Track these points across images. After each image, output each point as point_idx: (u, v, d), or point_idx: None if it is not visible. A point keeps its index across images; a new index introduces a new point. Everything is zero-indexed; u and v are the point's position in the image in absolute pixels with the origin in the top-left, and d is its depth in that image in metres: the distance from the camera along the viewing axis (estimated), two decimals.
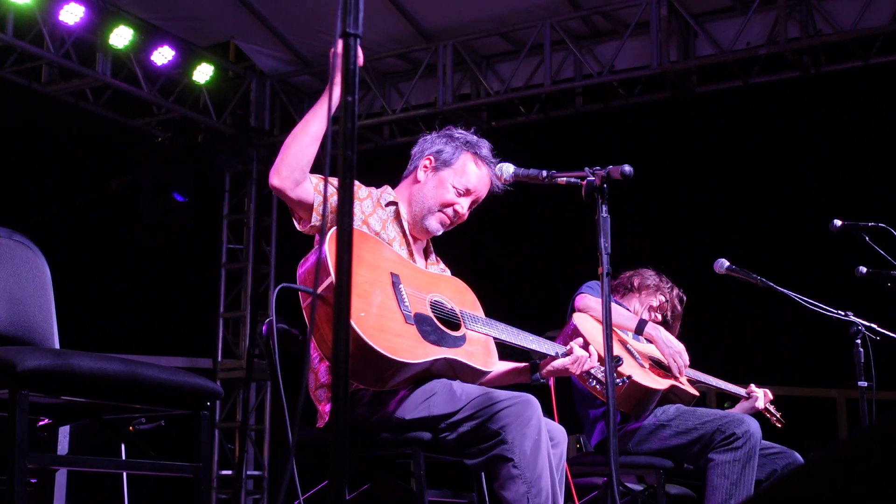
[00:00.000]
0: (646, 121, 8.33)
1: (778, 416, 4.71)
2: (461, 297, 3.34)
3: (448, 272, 3.51)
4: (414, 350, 3.03)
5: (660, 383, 4.22)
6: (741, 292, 5.30)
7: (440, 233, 3.40)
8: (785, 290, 4.36)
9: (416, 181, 3.40)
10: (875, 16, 7.01)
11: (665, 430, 4.23)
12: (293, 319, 3.36)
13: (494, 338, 3.29)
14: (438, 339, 3.12)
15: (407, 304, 3.11)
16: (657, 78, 7.65)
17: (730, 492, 4.01)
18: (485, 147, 3.44)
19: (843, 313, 4.39)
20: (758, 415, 4.62)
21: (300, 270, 3.15)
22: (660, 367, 4.33)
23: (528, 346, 3.34)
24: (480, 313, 3.36)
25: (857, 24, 7.02)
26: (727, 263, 4.48)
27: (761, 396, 4.63)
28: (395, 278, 3.12)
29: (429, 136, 3.49)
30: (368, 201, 3.31)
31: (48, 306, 2.94)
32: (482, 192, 3.42)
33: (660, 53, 7.43)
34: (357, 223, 3.22)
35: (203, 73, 8.21)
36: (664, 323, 4.63)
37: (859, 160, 7.89)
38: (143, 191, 8.59)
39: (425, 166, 3.40)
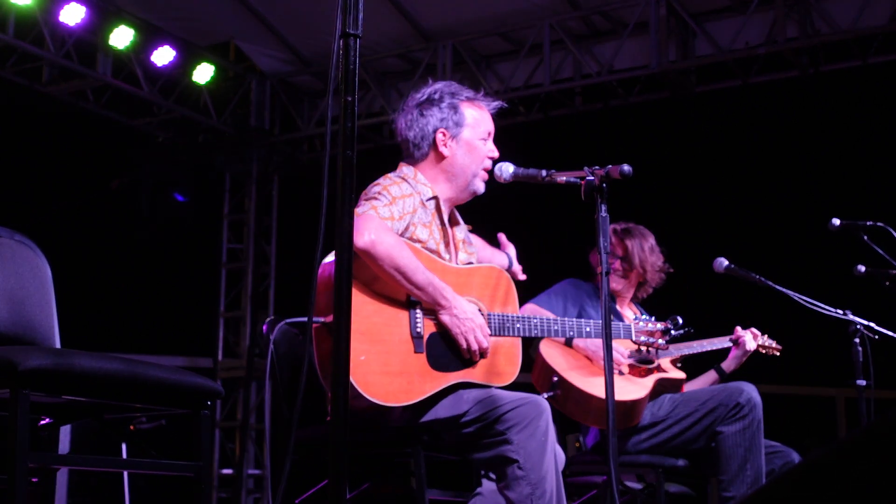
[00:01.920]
0: (645, 120, 8.33)
1: (773, 344, 4.56)
2: (493, 292, 3.29)
3: (467, 230, 3.47)
4: (412, 387, 3.01)
5: (642, 389, 4.14)
6: (740, 291, 5.30)
7: (484, 189, 3.40)
8: (784, 289, 4.36)
9: (443, 157, 3.33)
10: (873, 15, 7.01)
11: (663, 424, 4.20)
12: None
13: (526, 336, 3.29)
14: (449, 363, 3.10)
15: (419, 328, 3.08)
16: (656, 77, 7.66)
17: (745, 457, 4.01)
18: (462, 88, 3.42)
19: (841, 312, 4.38)
20: (755, 357, 4.51)
21: (322, 273, 3.09)
22: (640, 363, 4.25)
23: (567, 336, 3.39)
24: (514, 305, 3.32)
25: (856, 24, 7.03)
26: (726, 262, 4.48)
27: (749, 339, 4.49)
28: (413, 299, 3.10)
29: (412, 115, 3.37)
30: (420, 209, 3.24)
31: (49, 306, 2.95)
32: (493, 126, 3.44)
33: (659, 53, 7.44)
34: (408, 233, 3.18)
35: (203, 73, 8.21)
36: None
37: (858, 160, 7.89)
38: (144, 191, 8.60)
39: (443, 142, 3.33)
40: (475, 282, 3.26)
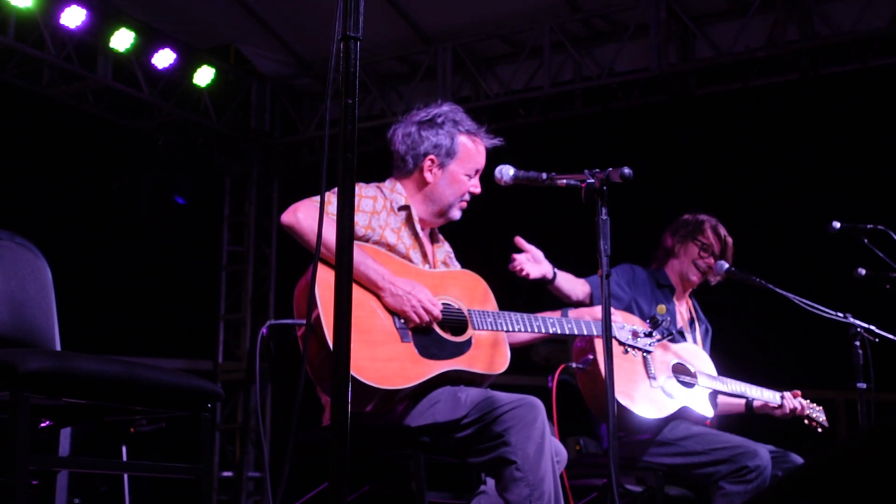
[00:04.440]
0: (645, 123, 8.33)
1: (821, 419, 4.43)
2: (471, 294, 3.32)
3: (451, 251, 3.52)
4: (406, 372, 3.04)
5: (667, 409, 4.05)
6: (740, 294, 5.30)
7: (459, 216, 3.45)
8: (784, 292, 4.35)
9: (426, 183, 3.39)
10: (873, 17, 7.01)
11: (672, 448, 4.15)
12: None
13: (508, 331, 3.29)
14: (439, 352, 3.12)
15: (403, 319, 3.12)
16: (656, 80, 7.66)
17: None
18: (466, 118, 3.48)
19: (841, 315, 4.37)
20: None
21: (296, 291, 3.19)
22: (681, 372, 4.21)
23: (549, 332, 3.37)
24: (492, 306, 3.34)
25: (856, 26, 7.03)
26: (726, 265, 4.47)
27: (788, 402, 4.36)
28: None
29: (410, 130, 3.42)
30: (384, 213, 3.30)
31: (49, 308, 2.95)
32: (484, 162, 3.48)
33: (659, 56, 7.44)
34: (375, 236, 3.25)
35: (204, 75, 8.22)
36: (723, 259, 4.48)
37: (858, 162, 7.89)
38: (144, 193, 8.61)
39: (430, 167, 3.39)
40: (450, 284, 3.30)
